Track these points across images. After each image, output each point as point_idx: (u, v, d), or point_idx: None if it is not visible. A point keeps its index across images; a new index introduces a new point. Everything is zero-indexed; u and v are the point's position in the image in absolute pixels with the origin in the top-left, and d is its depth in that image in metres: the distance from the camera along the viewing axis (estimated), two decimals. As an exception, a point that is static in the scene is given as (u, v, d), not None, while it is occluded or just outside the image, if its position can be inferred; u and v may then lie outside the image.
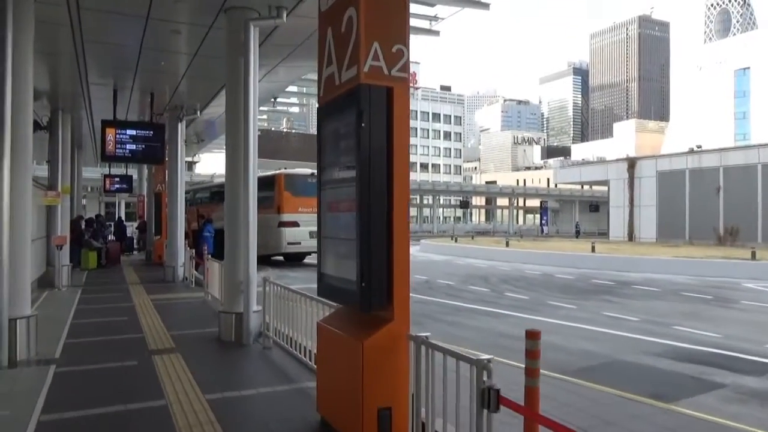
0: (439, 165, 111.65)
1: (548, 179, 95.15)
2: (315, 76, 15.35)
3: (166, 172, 16.49)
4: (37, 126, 13.16)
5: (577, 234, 57.34)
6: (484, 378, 3.18)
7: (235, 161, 7.96)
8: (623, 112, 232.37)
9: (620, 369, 7.45)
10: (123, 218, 34.36)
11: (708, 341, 9.15)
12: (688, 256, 23.80)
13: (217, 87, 12.41)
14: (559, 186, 76.50)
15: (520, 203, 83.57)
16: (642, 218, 41.28)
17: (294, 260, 23.23)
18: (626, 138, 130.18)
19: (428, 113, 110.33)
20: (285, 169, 23.31)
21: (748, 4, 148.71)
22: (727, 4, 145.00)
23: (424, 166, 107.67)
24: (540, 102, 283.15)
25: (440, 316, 11.26)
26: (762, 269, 19.86)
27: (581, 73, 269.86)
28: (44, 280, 13.39)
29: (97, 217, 24.70)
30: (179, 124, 14.77)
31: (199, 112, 14.43)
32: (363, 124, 3.89)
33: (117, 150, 12.08)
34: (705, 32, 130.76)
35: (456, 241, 40.69)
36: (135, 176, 27.40)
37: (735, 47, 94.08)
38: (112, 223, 29.01)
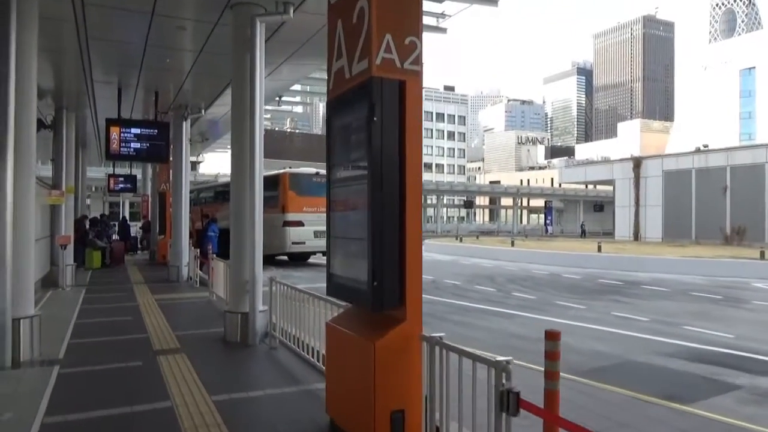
0: (443, 165, 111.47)
1: (552, 179, 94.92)
2: (320, 75, 15.45)
3: (171, 171, 16.41)
4: (41, 125, 13.12)
5: (583, 234, 57.13)
6: (503, 380, 3.07)
7: (241, 159, 7.85)
8: (627, 112, 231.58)
9: (632, 370, 7.33)
10: (127, 218, 34.33)
11: (719, 341, 9.01)
12: (695, 256, 23.65)
13: (222, 85, 12.34)
14: (563, 186, 76.28)
15: (524, 203, 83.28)
16: (648, 218, 41.09)
17: (298, 260, 23.13)
18: (631, 138, 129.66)
19: (432, 113, 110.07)
20: (290, 168, 23.22)
21: (754, 4, 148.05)
22: (732, 4, 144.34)
23: (427, 166, 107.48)
24: (544, 102, 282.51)
25: (448, 316, 11.15)
26: (771, 269, 19.69)
27: (585, 73, 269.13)
28: (48, 280, 13.32)
29: (101, 217, 24.68)
30: (184, 123, 14.69)
31: (203, 111, 14.36)
32: (375, 119, 3.78)
33: (121, 148, 12.01)
34: (710, 32, 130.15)
35: (461, 240, 40.57)
36: (139, 176, 27.35)
37: (740, 47, 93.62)
38: (116, 223, 28.94)
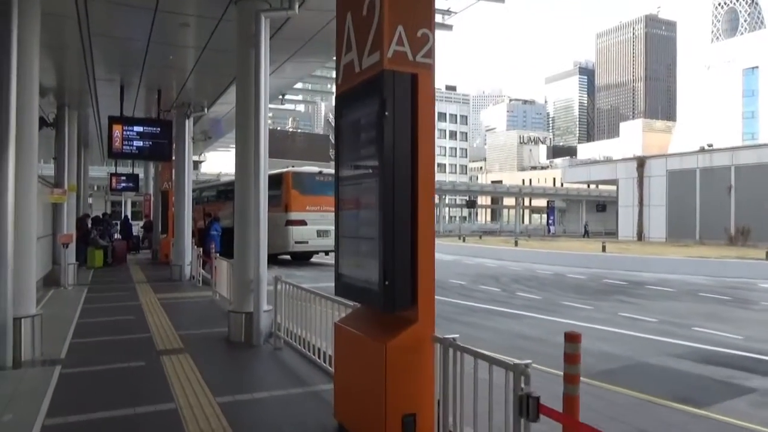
0: (445, 164, 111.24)
1: (554, 179, 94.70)
2: (323, 73, 15.21)
3: (173, 170, 16.30)
4: (43, 123, 13.00)
5: (586, 234, 56.97)
6: (522, 384, 2.95)
7: (246, 156, 7.74)
8: (629, 111, 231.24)
9: (643, 371, 7.20)
10: (129, 217, 34.25)
11: (730, 343, 8.89)
12: (700, 256, 23.52)
13: (225, 83, 12.25)
14: (565, 185, 76.10)
15: (527, 203, 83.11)
16: (651, 218, 40.94)
17: (301, 259, 23.02)
18: (633, 137, 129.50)
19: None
20: (293, 167, 23.11)
21: (756, 4, 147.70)
22: (734, 4, 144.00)
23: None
24: (546, 101, 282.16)
25: (454, 316, 11.03)
26: (777, 270, 19.56)
27: (587, 73, 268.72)
28: (50, 279, 13.22)
29: (103, 216, 24.59)
30: (187, 121, 14.60)
31: (206, 109, 14.27)
32: (386, 113, 3.66)
33: (124, 147, 11.91)
34: (712, 31, 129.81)
35: (464, 240, 40.46)
36: (141, 175, 27.27)
37: (744, 46, 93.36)
38: (118, 222, 28.84)
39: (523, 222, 78.85)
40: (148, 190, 26.11)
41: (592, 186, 69.48)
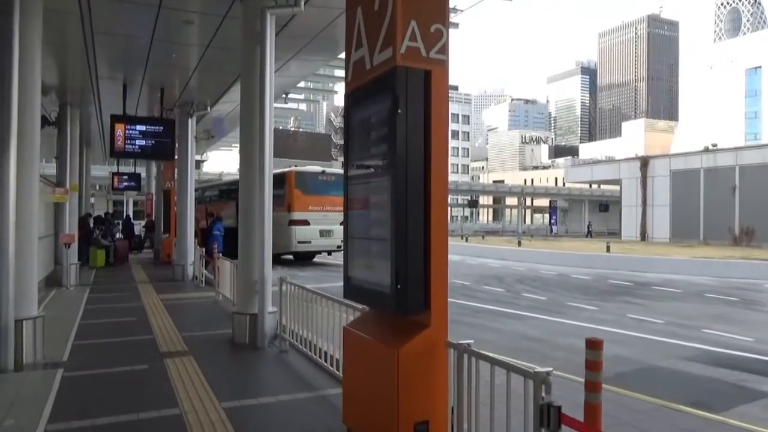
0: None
1: (556, 178, 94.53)
2: (325, 71, 15.07)
3: (176, 169, 16.21)
4: (45, 121, 12.89)
5: (589, 234, 56.81)
6: (543, 393, 2.84)
7: (250, 155, 7.63)
8: (631, 111, 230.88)
9: (655, 375, 7.08)
10: (131, 216, 34.18)
11: (740, 345, 8.77)
12: (705, 257, 23.37)
13: (229, 82, 12.15)
14: (567, 185, 75.93)
15: (528, 203, 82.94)
16: (655, 218, 40.78)
17: (304, 259, 22.94)
18: (635, 137, 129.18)
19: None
20: (296, 166, 23.02)
21: (759, 3, 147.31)
22: (737, 3, 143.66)
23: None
24: (547, 101, 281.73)
25: (458, 317, 10.90)
26: (784, 271, 19.41)
27: (589, 73, 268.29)
28: (52, 279, 13.13)
29: (105, 215, 24.52)
30: (189, 120, 14.50)
31: (209, 108, 14.15)
32: (399, 111, 3.55)
33: (126, 146, 11.81)
34: (715, 31, 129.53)
35: (466, 240, 40.33)
36: (143, 174, 27.19)
37: (746, 46, 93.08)
38: (120, 221, 28.78)
39: (525, 222, 78.71)
40: (150, 190, 26.03)
41: (594, 186, 69.32)
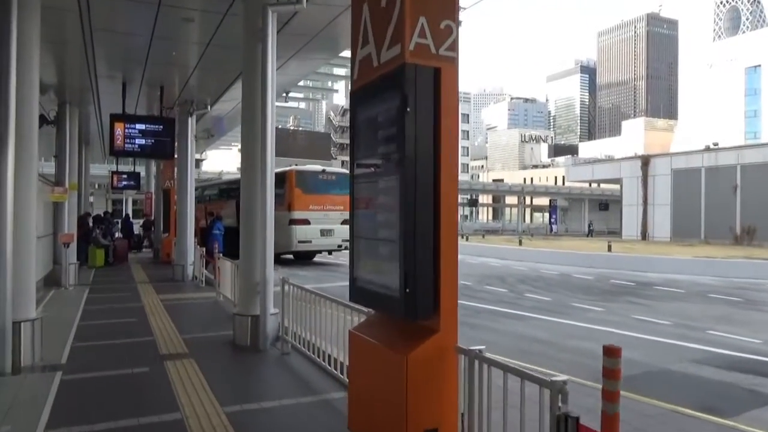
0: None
1: (556, 177, 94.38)
2: (326, 70, 14.96)
3: (176, 168, 16.10)
4: (44, 120, 12.80)
5: (590, 233, 56.73)
6: (559, 402, 2.73)
7: (252, 153, 7.52)
8: (631, 110, 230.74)
9: (664, 378, 6.98)
10: (130, 215, 34.04)
11: (748, 347, 8.67)
12: (707, 256, 23.27)
13: (229, 80, 12.03)
14: (567, 184, 75.82)
15: (528, 201, 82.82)
16: (656, 217, 40.70)
17: (304, 258, 22.85)
18: (635, 136, 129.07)
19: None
20: (296, 165, 22.92)
21: (758, 2, 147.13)
22: (736, 2, 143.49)
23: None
24: (547, 100, 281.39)
25: (461, 318, 10.62)
26: (787, 270, 19.32)
27: (588, 71, 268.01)
28: (50, 279, 13.02)
29: (105, 214, 24.40)
30: (189, 119, 14.39)
31: (209, 107, 14.04)
32: (408, 110, 3.44)
33: (126, 145, 11.69)
34: (714, 30, 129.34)
35: (467, 239, 40.23)
36: (142, 173, 27.06)
37: (746, 45, 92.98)
38: (119, 220, 28.65)
39: (525, 221, 78.60)
40: (150, 189, 25.92)
41: (594, 185, 69.24)
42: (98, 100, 13.72)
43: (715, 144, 48.32)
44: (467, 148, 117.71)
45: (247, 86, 7.72)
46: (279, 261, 21.46)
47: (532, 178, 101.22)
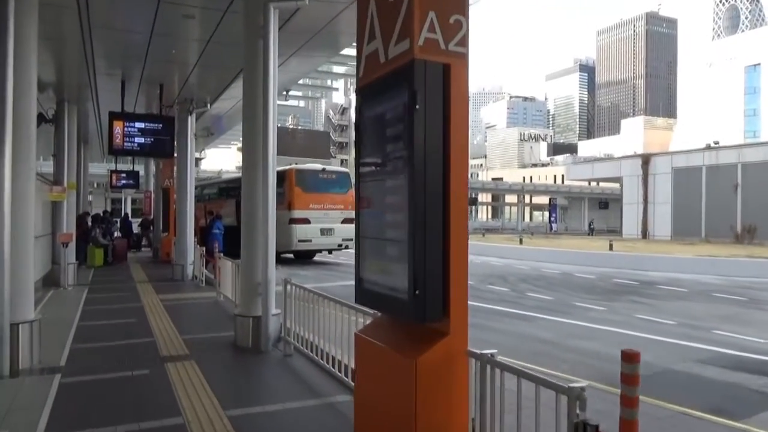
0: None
1: (555, 176, 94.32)
2: (327, 68, 14.85)
3: (175, 167, 15.99)
4: (42, 119, 12.69)
5: (591, 231, 56.66)
6: (577, 410, 2.63)
7: (253, 151, 7.42)
8: (630, 109, 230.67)
9: (671, 379, 6.88)
10: (129, 215, 33.92)
11: (755, 347, 8.58)
12: (709, 255, 23.18)
13: (229, 78, 11.93)
14: (567, 182, 75.74)
15: (528, 200, 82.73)
16: (656, 215, 40.62)
17: (304, 258, 22.75)
18: (634, 135, 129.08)
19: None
20: (296, 164, 22.81)
21: (757, 1, 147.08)
22: (735, 1, 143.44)
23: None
24: (546, 99, 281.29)
25: (464, 318, 10.70)
26: (789, 269, 19.24)
27: (587, 70, 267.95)
28: (49, 279, 12.92)
29: (104, 213, 24.29)
30: (189, 117, 14.28)
31: (209, 105, 13.94)
32: (417, 107, 3.33)
33: (125, 143, 11.61)
34: (713, 29, 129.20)
35: (466, 238, 40.11)
36: (141, 172, 26.94)
37: (745, 43, 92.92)
38: (118, 220, 28.53)
39: (524, 219, 78.53)
40: (149, 188, 25.80)
41: (593, 183, 69.19)
42: (97, 98, 13.61)
43: (716, 142, 48.20)
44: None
45: (248, 84, 7.62)
46: (279, 260, 21.34)
47: (531, 177, 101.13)
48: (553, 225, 68.41)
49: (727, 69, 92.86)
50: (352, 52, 11.52)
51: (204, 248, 13.60)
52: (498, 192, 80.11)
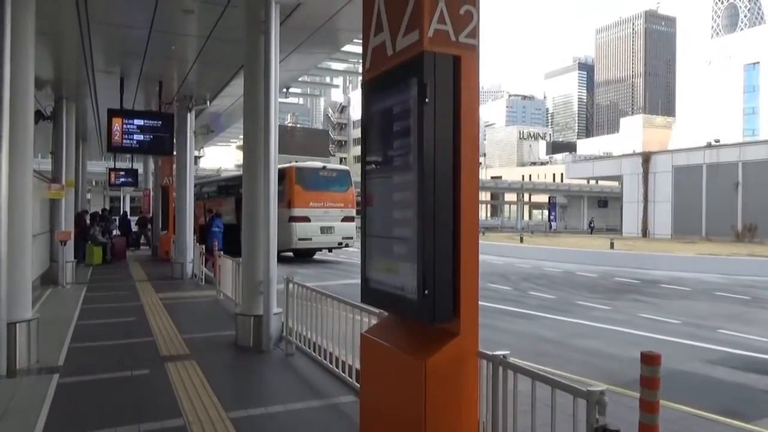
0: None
1: (554, 174, 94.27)
2: (328, 65, 14.71)
3: (174, 164, 15.88)
4: (40, 116, 12.57)
5: (591, 230, 56.62)
6: (597, 415, 2.53)
7: (254, 149, 7.31)
8: (629, 107, 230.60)
9: (679, 380, 6.77)
10: (128, 212, 33.78)
11: (761, 347, 8.49)
12: (710, 254, 23.10)
13: (229, 75, 11.81)
14: (566, 181, 75.69)
15: (527, 198, 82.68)
16: (656, 214, 40.54)
17: (304, 256, 22.63)
18: (633, 133, 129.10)
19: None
20: (296, 162, 22.69)
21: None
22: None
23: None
24: (545, 97, 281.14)
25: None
26: (791, 267, 19.15)
27: (586, 69, 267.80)
28: (47, 277, 12.82)
29: (103, 212, 24.17)
30: (188, 114, 14.17)
31: (209, 102, 13.82)
32: (427, 101, 3.22)
33: (124, 140, 11.50)
34: (712, 27, 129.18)
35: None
36: (140, 170, 26.81)
37: (744, 42, 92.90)
38: (117, 218, 28.41)
39: (524, 218, 78.48)
40: (148, 186, 25.66)
41: (593, 182, 69.15)
42: (95, 95, 13.49)
43: (717, 140, 48.09)
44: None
45: (249, 80, 7.51)
46: (279, 259, 21.23)
47: (530, 175, 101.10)
48: (553, 223, 68.36)
49: (726, 67, 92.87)
50: (352, 48, 11.42)
51: (203, 246, 13.50)
52: (497, 190, 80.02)
